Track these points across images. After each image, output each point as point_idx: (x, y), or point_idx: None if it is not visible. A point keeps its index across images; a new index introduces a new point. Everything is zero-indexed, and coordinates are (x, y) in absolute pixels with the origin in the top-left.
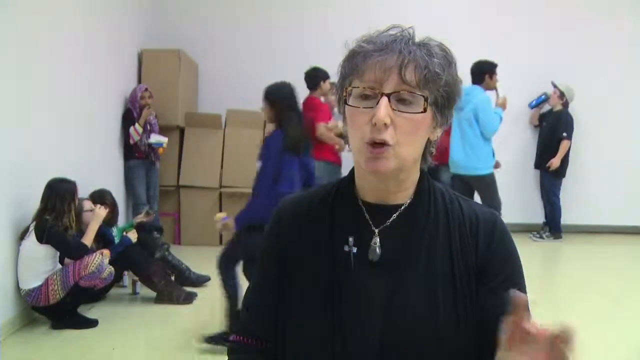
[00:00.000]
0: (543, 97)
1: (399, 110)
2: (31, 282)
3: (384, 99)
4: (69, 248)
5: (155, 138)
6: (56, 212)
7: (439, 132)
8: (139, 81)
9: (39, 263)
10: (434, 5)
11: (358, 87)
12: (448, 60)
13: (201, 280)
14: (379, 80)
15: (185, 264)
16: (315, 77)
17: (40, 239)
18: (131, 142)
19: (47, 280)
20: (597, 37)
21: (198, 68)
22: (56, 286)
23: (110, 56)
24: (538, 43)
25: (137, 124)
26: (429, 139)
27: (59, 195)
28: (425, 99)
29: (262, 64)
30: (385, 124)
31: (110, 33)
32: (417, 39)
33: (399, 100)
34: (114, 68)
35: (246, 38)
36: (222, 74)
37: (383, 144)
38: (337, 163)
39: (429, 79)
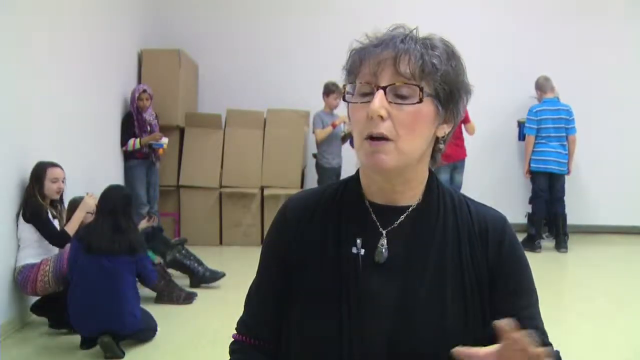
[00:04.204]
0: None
1: (395, 103)
2: (23, 259)
3: (380, 92)
4: (49, 231)
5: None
6: (29, 192)
7: (446, 129)
8: (139, 81)
9: (25, 242)
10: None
11: (355, 84)
12: (449, 53)
13: (217, 277)
14: (374, 73)
15: (199, 258)
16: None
17: (24, 216)
18: (124, 149)
19: (40, 263)
20: (597, 37)
21: (198, 68)
22: (47, 275)
23: (110, 56)
24: (537, 41)
25: (137, 141)
26: (436, 136)
27: (32, 176)
28: (421, 89)
29: (262, 64)
30: (381, 117)
31: (110, 33)
32: (421, 35)
33: (397, 94)
34: (114, 68)
35: (246, 38)
36: (222, 74)
37: (382, 138)
38: None
39: (426, 70)
